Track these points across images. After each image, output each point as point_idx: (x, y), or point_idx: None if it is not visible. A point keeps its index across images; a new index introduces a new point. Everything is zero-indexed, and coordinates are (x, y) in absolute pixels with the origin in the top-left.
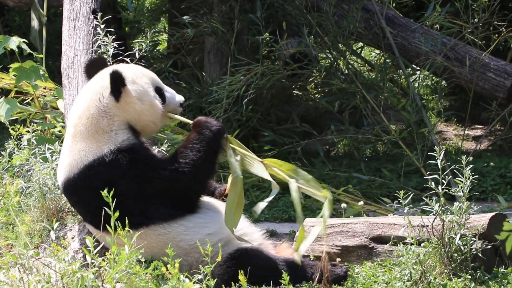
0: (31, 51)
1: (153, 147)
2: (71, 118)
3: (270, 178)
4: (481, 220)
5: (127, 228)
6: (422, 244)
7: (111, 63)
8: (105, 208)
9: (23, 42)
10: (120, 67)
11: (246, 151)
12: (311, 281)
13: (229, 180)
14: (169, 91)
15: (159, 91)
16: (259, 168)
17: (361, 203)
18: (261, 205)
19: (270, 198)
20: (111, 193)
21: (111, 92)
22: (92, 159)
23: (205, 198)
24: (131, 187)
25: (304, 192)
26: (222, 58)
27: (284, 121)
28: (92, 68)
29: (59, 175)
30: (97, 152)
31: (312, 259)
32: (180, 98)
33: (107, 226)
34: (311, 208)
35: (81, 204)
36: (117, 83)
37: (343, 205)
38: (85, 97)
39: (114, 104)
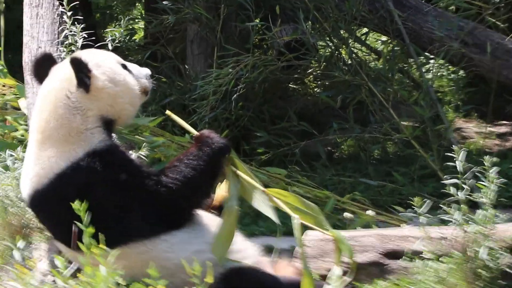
0: None
1: (130, 152)
2: (35, 123)
3: (274, 217)
4: (509, 230)
5: (102, 246)
6: (442, 259)
7: None
8: (77, 223)
9: None
10: (77, 54)
11: (249, 177)
12: None
13: (218, 189)
14: (133, 67)
15: (124, 67)
16: (261, 200)
17: (369, 212)
18: None
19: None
20: (83, 204)
21: (77, 83)
22: (64, 166)
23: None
24: (108, 196)
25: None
26: (207, 48)
27: (279, 119)
28: (41, 67)
29: (24, 188)
30: (70, 157)
31: (318, 278)
32: (146, 70)
33: (79, 244)
34: None
35: (51, 219)
36: (82, 71)
37: (348, 215)
38: (47, 98)
39: (84, 96)
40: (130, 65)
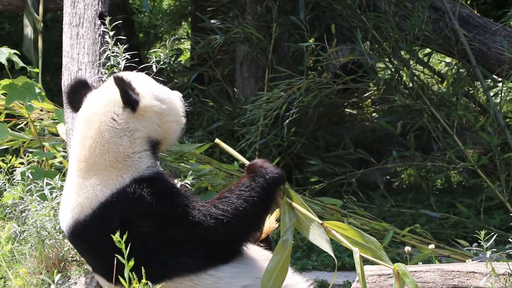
0: (24, 65)
1: (175, 181)
2: (77, 152)
3: (331, 252)
4: None
5: (144, 281)
6: None
7: None
8: (117, 256)
9: (14, 53)
10: (118, 75)
11: (305, 209)
12: None
13: (267, 221)
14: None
15: None
16: (318, 234)
17: (431, 246)
18: None
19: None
20: (125, 236)
21: (124, 103)
22: (110, 194)
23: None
24: (153, 230)
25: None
26: (257, 70)
27: (334, 146)
28: (76, 94)
29: (63, 219)
30: (117, 184)
31: None
32: (177, 93)
33: (121, 279)
34: None
35: (93, 252)
36: (129, 90)
37: (408, 248)
38: (90, 124)
39: (131, 117)
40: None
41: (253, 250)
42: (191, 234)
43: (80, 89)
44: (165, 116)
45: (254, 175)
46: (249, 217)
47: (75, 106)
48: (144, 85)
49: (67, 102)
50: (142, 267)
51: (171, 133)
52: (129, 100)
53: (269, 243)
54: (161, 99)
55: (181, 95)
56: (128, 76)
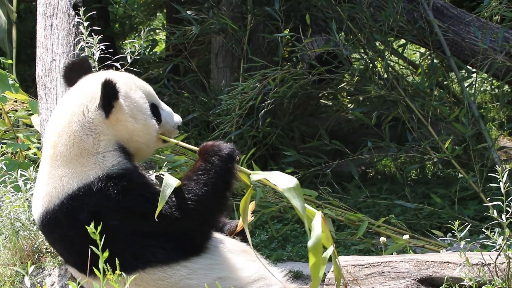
0: None
1: (149, 172)
2: (49, 135)
3: (300, 205)
4: None
5: (118, 272)
6: (483, 287)
7: (97, 69)
8: (92, 247)
9: None
10: (112, 76)
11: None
12: None
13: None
14: (165, 109)
15: (154, 108)
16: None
17: (406, 236)
18: None
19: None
20: (99, 228)
21: (101, 106)
22: (76, 187)
23: (214, 235)
24: (122, 224)
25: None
26: (232, 61)
27: (309, 137)
28: (74, 72)
29: (35, 207)
30: (82, 179)
31: None
32: (178, 118)
33: (95, 270)
34: (345, 244)
35: (63, 243)
36: (110, 96)
37: (383, 239)
38: (66, 109)
39: (101, 120)
40: (163, 107)
41: (229, 243)
42: (159, 227)
43: (80, 69)
44: (135, 136)
45: (207, 156)
46: (211, 199)
47: (70, 83)
48: (130, 98)
49: (64, 76)
50: (114, 258)
51: (139, 153)
52: (105, 105)
53: (245, 236)
54: (137, 118)
55: (180, 121)
56: (120, 81)
